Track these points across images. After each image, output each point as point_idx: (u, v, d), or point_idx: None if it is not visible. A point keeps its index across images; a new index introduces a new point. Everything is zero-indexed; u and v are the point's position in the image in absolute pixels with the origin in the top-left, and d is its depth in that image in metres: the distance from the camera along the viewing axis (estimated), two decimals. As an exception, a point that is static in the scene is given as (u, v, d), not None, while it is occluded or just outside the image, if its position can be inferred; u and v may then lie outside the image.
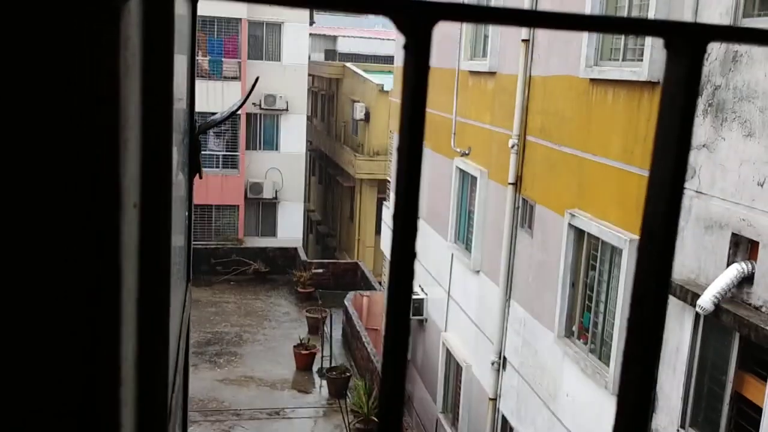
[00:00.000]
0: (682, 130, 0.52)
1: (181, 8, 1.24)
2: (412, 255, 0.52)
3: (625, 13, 8.29)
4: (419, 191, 0.50)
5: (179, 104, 1.35)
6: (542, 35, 10.17)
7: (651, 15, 7.48)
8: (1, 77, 0.45)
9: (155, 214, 0.66)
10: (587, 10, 8.74)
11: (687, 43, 0.51)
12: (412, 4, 0.48)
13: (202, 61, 25.93)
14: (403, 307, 0.51)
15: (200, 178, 1.64)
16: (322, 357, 18.05)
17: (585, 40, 8.78)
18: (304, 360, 18.26)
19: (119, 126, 0.47)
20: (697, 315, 6.61)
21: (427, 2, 0.48)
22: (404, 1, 0.48)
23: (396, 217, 0.49)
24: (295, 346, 18.48)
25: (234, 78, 25.94)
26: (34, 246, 0.48)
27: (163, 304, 0.74)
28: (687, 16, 6.90)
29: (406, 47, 0.51)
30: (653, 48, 7.45)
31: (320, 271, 23.78)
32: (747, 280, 6.14)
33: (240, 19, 25.91)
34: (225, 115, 2.97)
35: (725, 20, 6.47)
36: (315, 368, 18.26)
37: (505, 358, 11.20)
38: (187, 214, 1.52)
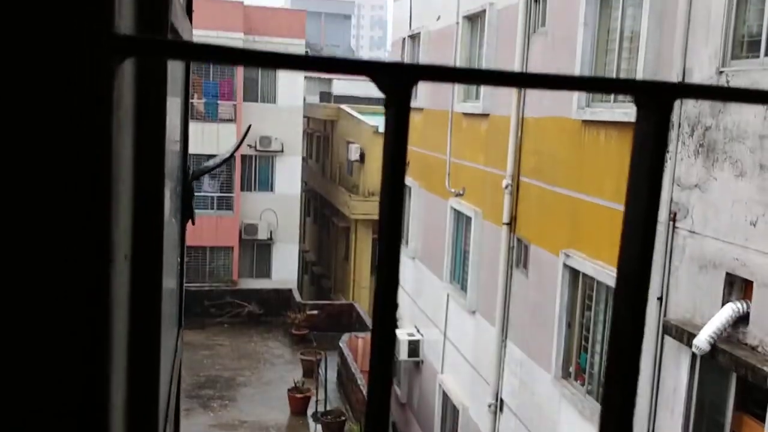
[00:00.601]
0: (652, 184, 0.54)
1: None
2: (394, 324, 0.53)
3: (615, 57, 8.44)
4: (400, 244, 0.52)
5: (173, 150, 1.37)
6: (534, 78, 10.31)
7: (641, 57, 7.61)
8: None
9: (146, 265, 0.67)
10: (577, 58, 8.89)
11: (654, 100, 0.54)
12: (391, 66, 0.50)
13: (198, 103, 26.15)
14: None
15: (193, 224, 1.65)
16: (317, 400, 17.83)
17: (576, 82, 8.90)
18: (299, 404, 18.03)
19: (111, 181, 0.49)
20: (694, 355, 6.59)
21: (405, 64, 0.51)
22: (384, 63, 0.50)
23: (377, 290, 0.51)
24: (289, 390, 18.26)
25: (229, 120, 26.13)
26: (23, 299, 0.49)
27: (153, 354, 0.75)
28: (676, 59, 7.02)
29: (386, 106, 0.54)
30: (643, 90, 7.55)
31: (315, 312, 23.64)
32: (742, 319, 6.14)
33: (236, 62, 26.18)
34: (218, 162, 3.00)
35: (714, 63, 6.58)
36: (310, 412, 18.03)
37: (502, 400, 11.10)
38: (179, 259, 1.54)
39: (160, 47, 0.47)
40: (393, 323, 0.55)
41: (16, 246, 0.47)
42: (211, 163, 3.05)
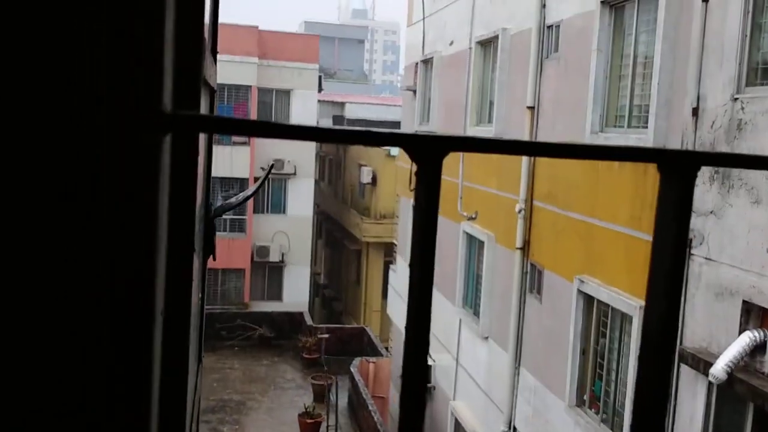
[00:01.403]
0: (676, 251, 0.56)
1: (204, 102, 1.30)
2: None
3: (628, 83, 8.45)
4: (431, 310, 0.54)
5: (198, 191, 1.40)
6: (547, 102, 10.35)
7: (654, 83, 7.63)
8: (53, 200, 0.49)
9: (176, 320, 0.69)
10: (591, 84, 8.91)
11: (678, 168, 0.55)
12: (423, 139, 0.52)
13: (213, 126, 26.35)
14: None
15: (214, 259, 1.67)
16: (328, 426, 17.72)
17: (590, 106, 8.93)
18: (309, 429, 17.92)
19: (156, 248, 0.51)
20: (710, 384, 6.52)
21: (436, 136, 0.52)
22: (416, 135, 0.52)
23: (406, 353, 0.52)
24: (299, 415, 18.16)
25: (243, 144, 26.32)
26: (71, 357, 0.51)
27: (179, 405, 0.76)
28: (690, 85, 7.02)
29: (417, 175, 0.55)
30: (657, 116, 7.57)
31: (326, 336, 23.58)
32: (760, 348, 6.07)
33: (250, 86, 26.46)
34: (240, 200, 3.05)
35: (728, 90, 6.58)
36: (321, 437, 17.91)
37: (515, 428, 10.99)
38: (200, 295, 1.56)
39: (201, 123, 0.49)
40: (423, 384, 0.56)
41: (76, 305, 0.49)
42: (233, 200, 3.09)
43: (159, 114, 0.49)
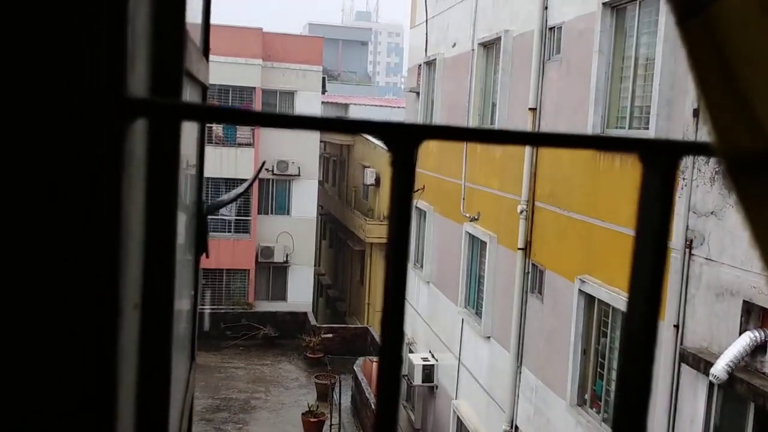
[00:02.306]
0: (658, 243, 0.54)
1: (192, 96, 1.29)
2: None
3: (630, 84, 8.44)
4: (404, 306, 0.53)
5: (188, 183, 1.39)
6: (549, 103, 10.33)
7: (656, 84, 7.61)
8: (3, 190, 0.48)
9: (157, 312, 0.68)
10: (592, 85, 8.90)
11: (660, 158, 0.54)
12: (397, 126, 0.51)
13: (217, 128, 26.38)
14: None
15: (207, 257, 1.67)
16: (331, 425, 17.73)
17: (592, 107, 8.91)
18: (313, 428, 17.93)
19: (120, 236, 0.50)
20: (711, 384, 6.50)
21: (411, 124, 0.52)
22: (390, 123, 0.51)
23: (382, 349, 0.51)
24: (303, 414, 18.18)
25: (247, 145, 26.35)
26: (33, 349, 0.50)
27: (162, 401, 0.75)
28: (691, 86, 6.99)
29: (392, 164, 0.55)
30: (659, 116, 7.55)
31: (330, 336, 23.59)
32: (760, 348, 6.06)
33: (254, 87, 26.48)
34: (232, 197, 3.03)
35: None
36: (324, 436, 17.92)
37: (516, 427, 10.98)
38: (193, 292, 1.55)
39: (170, 110, 0.48)
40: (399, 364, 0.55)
41: (26, 301, 0.48)
42: (225, 197, 3.09)
43: (122, 100, 0.48)
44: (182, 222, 1.27)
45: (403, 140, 0.50)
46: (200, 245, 1.50)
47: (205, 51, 1.46)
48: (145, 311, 0.66)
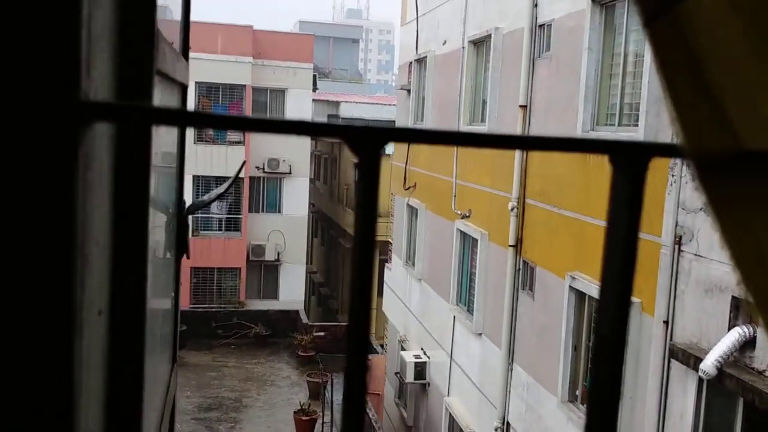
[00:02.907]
0: (628, 242, 0.54)
1: (169, 96, 1.28)
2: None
3: (619, 81, 8.45)
4: (370, 307, 0.52)
5: (166, 184, 1.38)
6: (539, 101, 10.34)
7: (645, 81, 7.63)
8: None
9: (127, 317, 0.67)
10: (582, 82, 8.91)
11: (629, 159, 0.54)
12: (360, 130, 0.51)
13: (206, 125, 26.28)
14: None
15: (187, 258, 1.65)
16: (323, 423, 17.74)
17: (581, 104, 8.93)
18: (305, 426, 17.93)
19: (76, 242, 0.49)
20: (701, 380, 6.53)
21: (374, 128, 0.51)
22: (353, 127, 0.50)
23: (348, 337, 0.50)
24: (295, 412, 18.17)
25: (238, 143, 26.27)
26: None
27: (135, 406, 0.74)
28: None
29: (358, 166, 0.54)
30: (648, 113, 7.57)
31: (321, 334, 23.58)
32: (749, 343, 6.08)
33: (244, 85, 26.41)
34: (212, 198, 3.02)
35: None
36: (316, 434, 17.91)
37: (508, 424, 11.00)
38: (173, 294, 1.54)
39: (125, 113, 0.47)
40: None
41: None
42: (206, 197, 3.07)
43: (76, 103, 0.47)
44: (161, 223, 1.26)
45: (367, 143, 0.49)
46: (181, 246, 1.49)
47: (185, 50, 1.45)
48: (114, 316, 0.65)
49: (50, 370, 0.48)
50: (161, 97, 1.04)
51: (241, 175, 26.12)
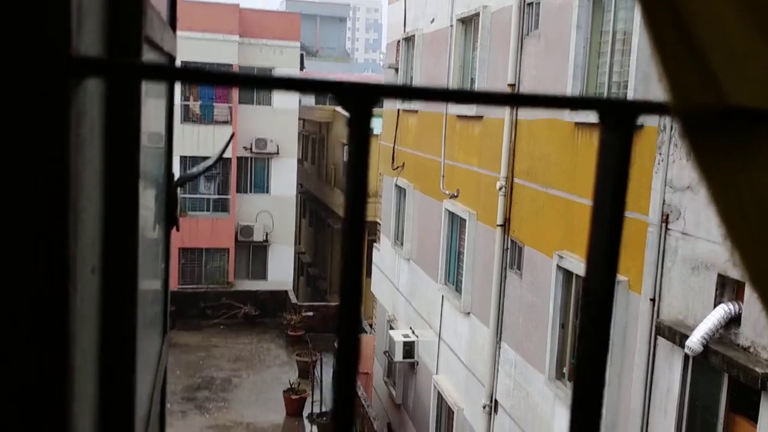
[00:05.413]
0: (615, 197, 0.55)
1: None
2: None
3: (607, 59, 8.46)
4: (362, 265, 0.53)
5: (155, 156, 1.37)
6: (528, 80, 10.33)
7: (633, 59, 7.64)
8: None
9: (119, 277, 0.67)
10: (570, 60, 8.91)
11: (618, 117, 0.54)
12: (353, 86, 0.51)
13: (194, 106, 26.13)
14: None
15: (177, 230, 1.65)
16: (313, 401, 17.84)
17: (570, 82, 8.93)
18: (295, 405, 18.03)
19: (69, 196, 0.49)
20: (686, 356, 6.61)
21: (366, 84, 0.51)
22: (344, 83, 0.51)
23: (341, 289, 0.51)
24: (285, 391, 18.26)
25: (225, 122, 26.12)
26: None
27: (128, 367, 0.75)
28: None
29: (349, 123, 0.54)
30: (636, 91, 7.58)
31: (310, 314, 23.64)
32: (734, 320, 6.16)
33: (231, 65, 26.21)
34: (201, 170, 3.01)
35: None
36: (305, 413, 18.03)
37: (496, 401, 11.11)
38: (163, 265, 1.54)
39: (116, 68, 0.47)
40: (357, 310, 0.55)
41: None
42: (195, 170, 3.06)
43: (68, 58, 0.47)
44: (151, 194, 1.26)
45: (359, 99, 0.50)
46: (170, 218, 1.49)
47: (172, 22, 1.44)
48: (106, 275, 0.65)
49: (46, 324, 0.49)
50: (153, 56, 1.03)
51: (229, 153, 26.00)
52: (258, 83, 0.51)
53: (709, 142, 0.54)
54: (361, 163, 0.54)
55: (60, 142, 0.46)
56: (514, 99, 0.54)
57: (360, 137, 0.51)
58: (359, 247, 0.52)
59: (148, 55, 0.98)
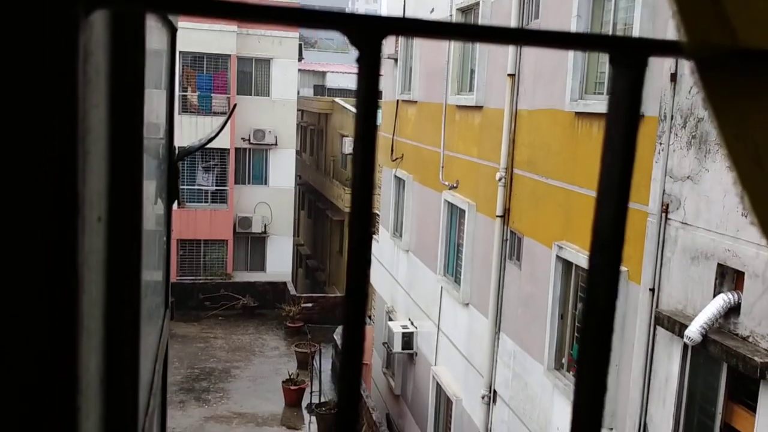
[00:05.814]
0: (628, 139, 0.54)
1: (159, 36, 1.26)
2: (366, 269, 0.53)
3: (606, 62, 8.43)
4: (373, 200, 0.52)
5: (157, 130, 1.37)
6: (528, 70, 10.31)
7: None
8: None
9: (123, 228, 0.67)
10: (570, 57, 8.87)
11: (630, 56, 0.54)
12: (362, 19, 0.50)
13: (192, 96, 26.07)
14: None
15: (179, 205, 1.65)
16: (312, 392, 17.87)
17: (570, 74, 8.91)
18: (293, 396, 18.06)
19: (77, 137, 0.48)
20: (686, 346, 6.62)
21: (376, 17, 0.50)
22: (353, 16, 0.50)
23: (351, 225, 0.50)
24: (284, 382, 18.29)
25: (223, 113, 26.06)
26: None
27: (133, 315, 0.74)
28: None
29: (358, 60, 0.53)
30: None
31: (309, 305, 23.66)
32: (734, 310, 6.16)
33: (229, 55, 26.14)
34: (203, 142, 3.00)
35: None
36: (304, 404, 18.06)
37: (495, 392, 11.13)
38: (165, 238, 1.53)
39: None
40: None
41: None
42: (196, 143, 3.05)
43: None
44: (153, 165, 1.25)
45: (368, 33, 0.49)
46: (172, 192, 1.49)
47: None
48: (112, 226, 0.65)
49: (54, 266, 0.48)
50: (156, 35, 1.02)
51: (227, 144, 25.96)
52: (263, 16, 0.50)
53: (723, 82, 0.54)
54: (370, 103, 0.53)
55: (69, 77, 0.45)
56: (522, 35, 0.53)
57: (369, 73, 0.51)
58: (370, 178, 0.52)
59: (151, 23, 0.97)
